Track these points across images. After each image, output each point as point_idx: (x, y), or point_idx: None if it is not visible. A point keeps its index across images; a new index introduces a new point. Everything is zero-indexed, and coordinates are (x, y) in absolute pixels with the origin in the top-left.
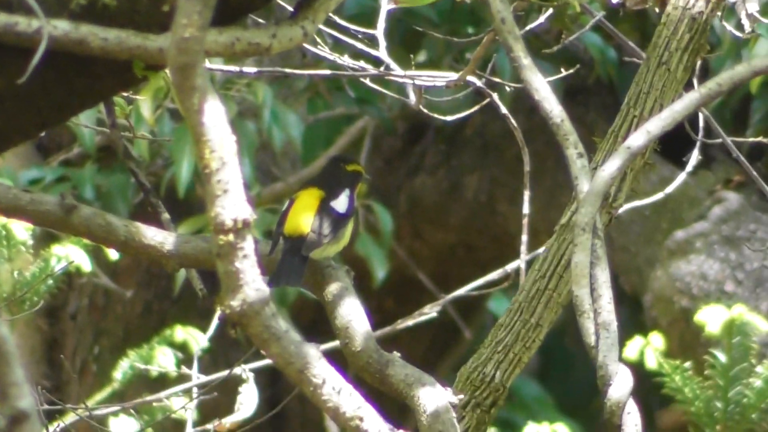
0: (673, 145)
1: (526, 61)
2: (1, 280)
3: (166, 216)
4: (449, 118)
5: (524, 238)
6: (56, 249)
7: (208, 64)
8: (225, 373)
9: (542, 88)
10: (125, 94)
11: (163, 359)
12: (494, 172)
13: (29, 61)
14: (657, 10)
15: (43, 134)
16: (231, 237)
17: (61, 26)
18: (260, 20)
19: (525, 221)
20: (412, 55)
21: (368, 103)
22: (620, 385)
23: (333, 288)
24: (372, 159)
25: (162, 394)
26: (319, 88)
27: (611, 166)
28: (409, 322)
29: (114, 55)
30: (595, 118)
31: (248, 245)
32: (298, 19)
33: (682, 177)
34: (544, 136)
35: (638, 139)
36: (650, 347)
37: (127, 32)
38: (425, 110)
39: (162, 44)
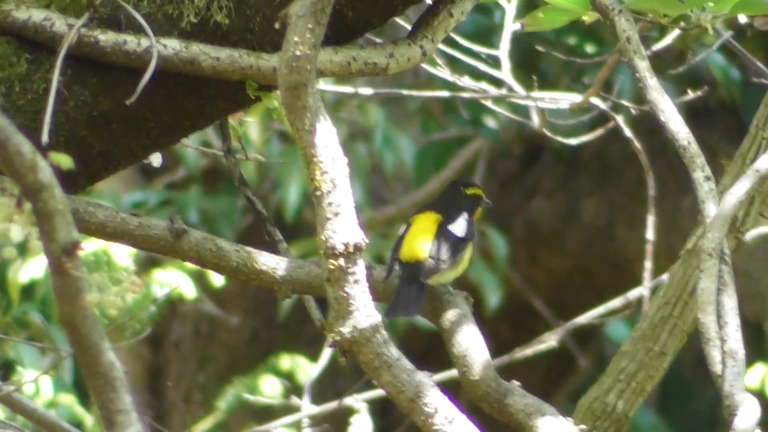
0: None
1: (651, 81)
2: (108, 306)
3: (284, 245)
4: (573, 141)
5: (647, 264)
6: (158, 274)
7: (321, 84)
8: (336, 403)
9: (668, 109)
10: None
11: (269, 388)
12: (613, 195)
13: (138, 82)
14: None
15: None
16: (342, 262)
17: (171, 45)
18: (377, 39)
19: (649, 247)
20: (534, 77)
21: (482, 125)
22: (747, 416)
23: (451, 315)
24: (487, 182)
25: (272, 425)
26: (432, 110)
27: (739, 190)
28: (528, 351)
29: (226, 75)
30: (718, 140)
31: (359, 270)
32: (417, 38)
33: None
34: (665, 158)
35: (767, 161)
36: None
37: (240, 51)
38: (548, 133)
39: (276, 63)
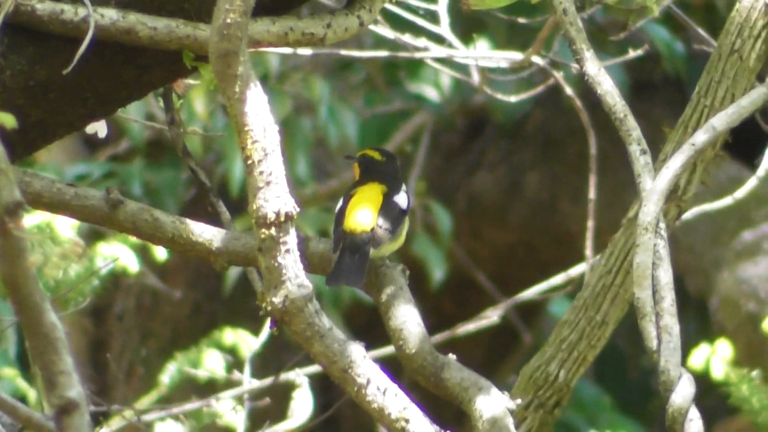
0: (745, 139)
1: (588, 53)
2: (50, 276)
3: (226, 216)
4: (513, 98)
5: (590, 224)
6: (102, 248)
7: (265, 48)
8: (277, 377)
9: (605, 81)
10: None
11: (212, 362)
12: (556, 169)
13: (75, 51)
14: None
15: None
16: (273, 231)
17: (109, 15)
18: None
19: (591, 206)
20: (475, 35)
21: (425, 100)
22: (682, 391)
23: (387, 289)
24: (430, 156)
25: (212, 399)
26: (375, 82)
27: (674, 164)
28: (470, 326)
29: (163, 45)
30: (661, 114)
31: (291, 239)
32: (354, 8)
33: (752, 181)
34: (607, 133)
35: (703, 135)
36: (716, 356)
37: (177, 21)
38: (489, 91)
39: None
